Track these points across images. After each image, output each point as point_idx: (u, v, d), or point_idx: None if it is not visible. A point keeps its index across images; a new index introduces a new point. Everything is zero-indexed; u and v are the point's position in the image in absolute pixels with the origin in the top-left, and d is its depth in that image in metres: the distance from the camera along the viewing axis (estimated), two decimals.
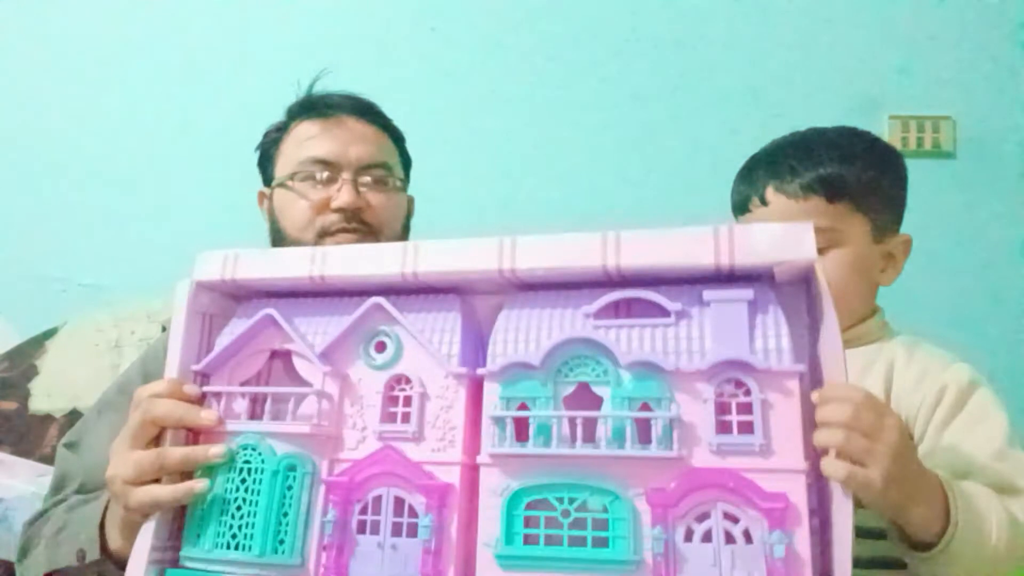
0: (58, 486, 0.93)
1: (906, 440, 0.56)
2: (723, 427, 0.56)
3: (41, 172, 1.93)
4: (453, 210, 1.51)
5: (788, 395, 0.55)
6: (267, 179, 1.07)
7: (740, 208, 0.90)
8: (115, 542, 0.73)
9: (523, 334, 0.62)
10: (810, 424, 0.55)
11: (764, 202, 0.85)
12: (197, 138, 1.89)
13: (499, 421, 0.59)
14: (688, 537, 0.54)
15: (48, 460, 1.40)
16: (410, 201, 1.07)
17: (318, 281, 0.66)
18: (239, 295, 0.73)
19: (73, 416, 1.50)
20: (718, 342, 0.57)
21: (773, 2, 1.86)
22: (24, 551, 0.86)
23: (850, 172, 0.83)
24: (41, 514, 0.89)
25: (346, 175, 0.97)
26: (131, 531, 0.67)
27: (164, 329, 1.09)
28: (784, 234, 0.57)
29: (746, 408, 0.56)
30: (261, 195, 1.08)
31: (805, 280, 0.60)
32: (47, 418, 1.54)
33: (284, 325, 0.66)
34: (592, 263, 0.60)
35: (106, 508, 0.75)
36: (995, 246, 1.66)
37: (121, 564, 0.72)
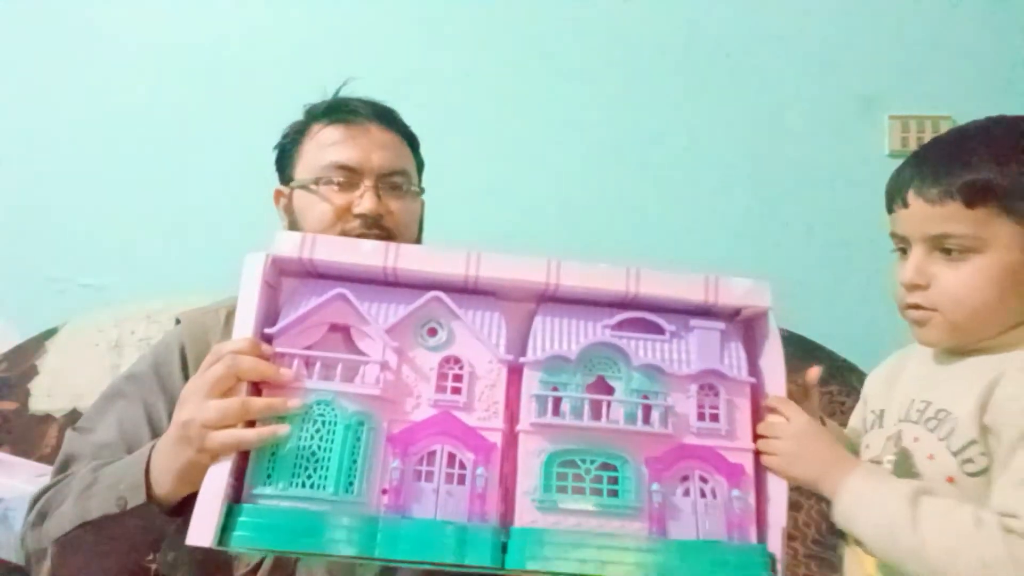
0: (64, 466, 0.95)
1: (808, 434, 0.78)
2: (700, 416, 0.79)
3: (42, 172, 1.86)
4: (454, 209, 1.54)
5: (744, 397, 0.80)
6: (284, 178, 1.12)
7: (889, 208, 0.86)
8: (164, 487, 0.78)
9: (557, 335, 0.80)
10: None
11: (905, 204, 0.82)
12: (199, 139, 1.88)
13: (540, 399, 0.77)
14: (673, 492, 0.76)
15: (48, 460, 1.43)
16: (422, 203, 1.16)
17: (390, 272, 0.79)
18: (289, 272, 0.82)
19: (73, 416, 1.53)
20: (699, 356, 0.80)
21: (773, 3, 1.91)
22: (41, 516, 0.87)
23: (999, 175, 0.77)
24: (47, 489, 0.90)
25: (368, 182, 1.05)
26: (191, 474, 0.74)
27: (178, 322, 1.10)
28: (752, 288, 0.81)
29: (716, 404, 0.79)
30: (278, 193, 1.13)
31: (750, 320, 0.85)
32: (47, 418, 1.56)
33: (356, 304, 0.78)
34: (618, 288, 0.80)
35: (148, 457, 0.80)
36: None
37: (165, 508, 0.78)
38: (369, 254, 0.79)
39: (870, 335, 1.65)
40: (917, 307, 0.82)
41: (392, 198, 1.07)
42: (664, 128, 1.91)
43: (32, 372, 1.62)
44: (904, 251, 0.84)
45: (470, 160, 1.85)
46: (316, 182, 1.06)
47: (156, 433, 0.94)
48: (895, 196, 0.84)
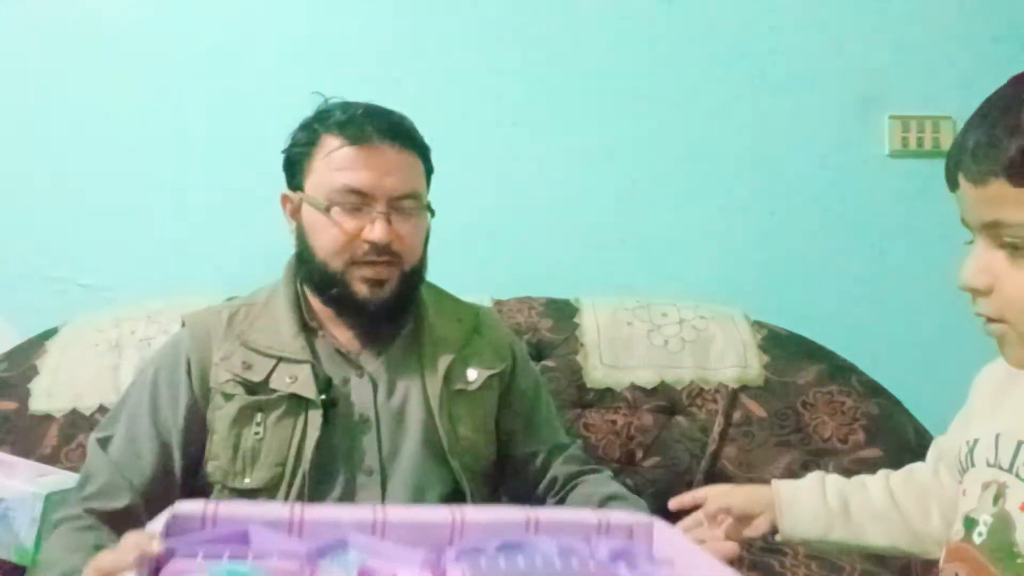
0: (83, 482, 1.05)
1: None
2: None
3: (42, 172, 1.87)
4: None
5: None
6: (292, 184, 1.13)
7: (949, 187, 0.69)
8: None
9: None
10: None
11: (955, 185, 0.66)
12: (199, 139, 1.83)
13: None
14: None
15: (48, 460, 1.45)
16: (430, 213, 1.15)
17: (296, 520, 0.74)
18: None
19: (73, 416, 1.54)
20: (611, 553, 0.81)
21: (773, 2, 1.91)
22: (40, 537, 1.03)
23: None
24: (63, 516, 1.02)
25: (380, 208, 1.05)
26: None
27: (183, 324, 1.16)
28: (638, 517, 0.80)
29: None
30: (285, 198, 1.14)
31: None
32: (47, 418, 1.55)
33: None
34: (519, 519, 0.78)
35: None
36: None
37: None
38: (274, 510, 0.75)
39: (870, 335, 1.77)
40: (988, 319, 0.66)
41: (402, 221, 1.09)
42: (663, 129, 1.90)
43: (32, 372, 1.61)
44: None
45: (469, 163, 1.83)
46: (328, 208, 1.06)
47: (162, 441, 1.05)
48: (948, 174, 0.68)
